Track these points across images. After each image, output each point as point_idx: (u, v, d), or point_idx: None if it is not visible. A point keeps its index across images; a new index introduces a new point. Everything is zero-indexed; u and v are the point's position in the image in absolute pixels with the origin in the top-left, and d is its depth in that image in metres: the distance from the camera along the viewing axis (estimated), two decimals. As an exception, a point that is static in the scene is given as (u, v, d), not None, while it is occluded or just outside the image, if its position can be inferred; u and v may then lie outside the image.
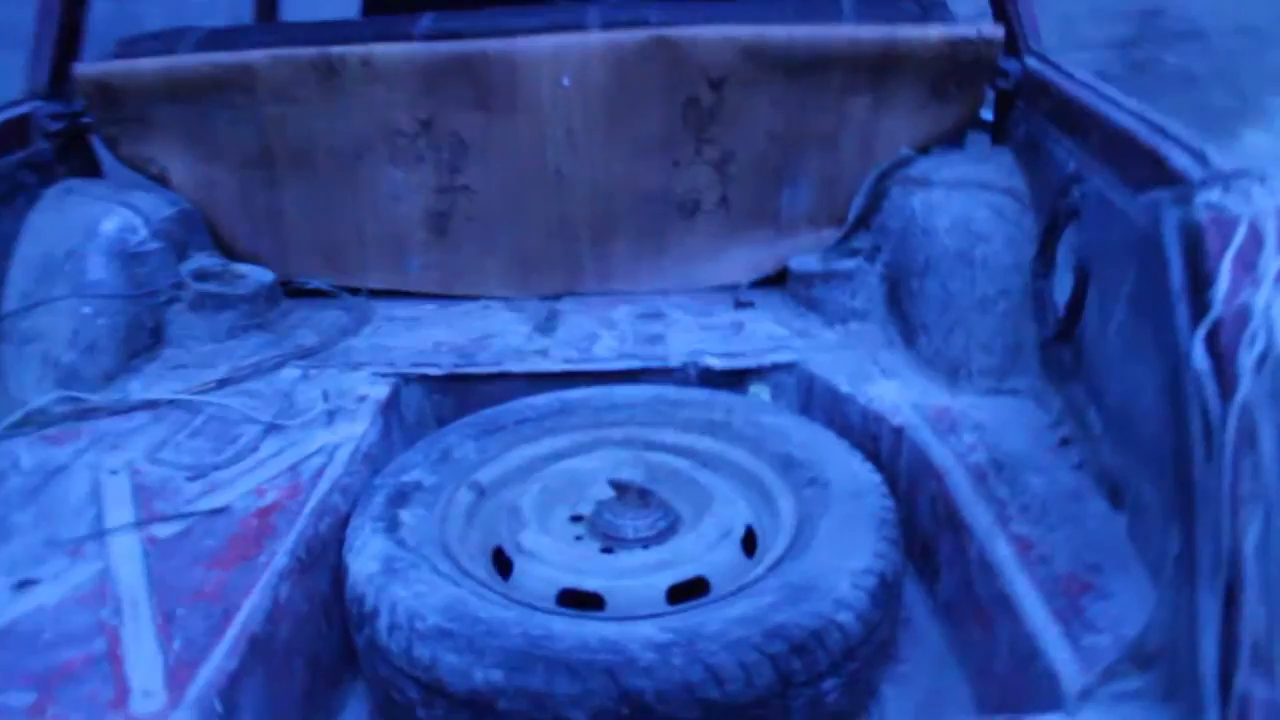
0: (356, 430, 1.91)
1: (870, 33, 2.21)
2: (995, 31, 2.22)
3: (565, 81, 2.26)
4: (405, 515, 1.67)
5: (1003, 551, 1.58)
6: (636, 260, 2.48)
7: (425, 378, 2.14)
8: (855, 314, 2.26)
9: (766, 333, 2.25)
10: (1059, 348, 1.88)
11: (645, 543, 1.67)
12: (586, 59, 2.25)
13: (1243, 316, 1.21)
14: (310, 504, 1.68)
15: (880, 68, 2.24)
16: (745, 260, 2.48)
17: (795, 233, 2.47)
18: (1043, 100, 2.11)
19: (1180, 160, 1.50)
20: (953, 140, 2.38)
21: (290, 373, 2.14)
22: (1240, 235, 1.25)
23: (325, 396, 2.00)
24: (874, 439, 1.95)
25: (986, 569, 1.57)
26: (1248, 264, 1.24)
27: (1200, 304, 1.26)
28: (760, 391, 2.17)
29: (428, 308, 2.45)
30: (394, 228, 2.46)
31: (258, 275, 2.38)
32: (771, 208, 2.45)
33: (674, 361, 2.15)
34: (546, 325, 2.33)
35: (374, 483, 1.77)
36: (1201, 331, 1.23)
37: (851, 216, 2.38)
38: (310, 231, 2.47)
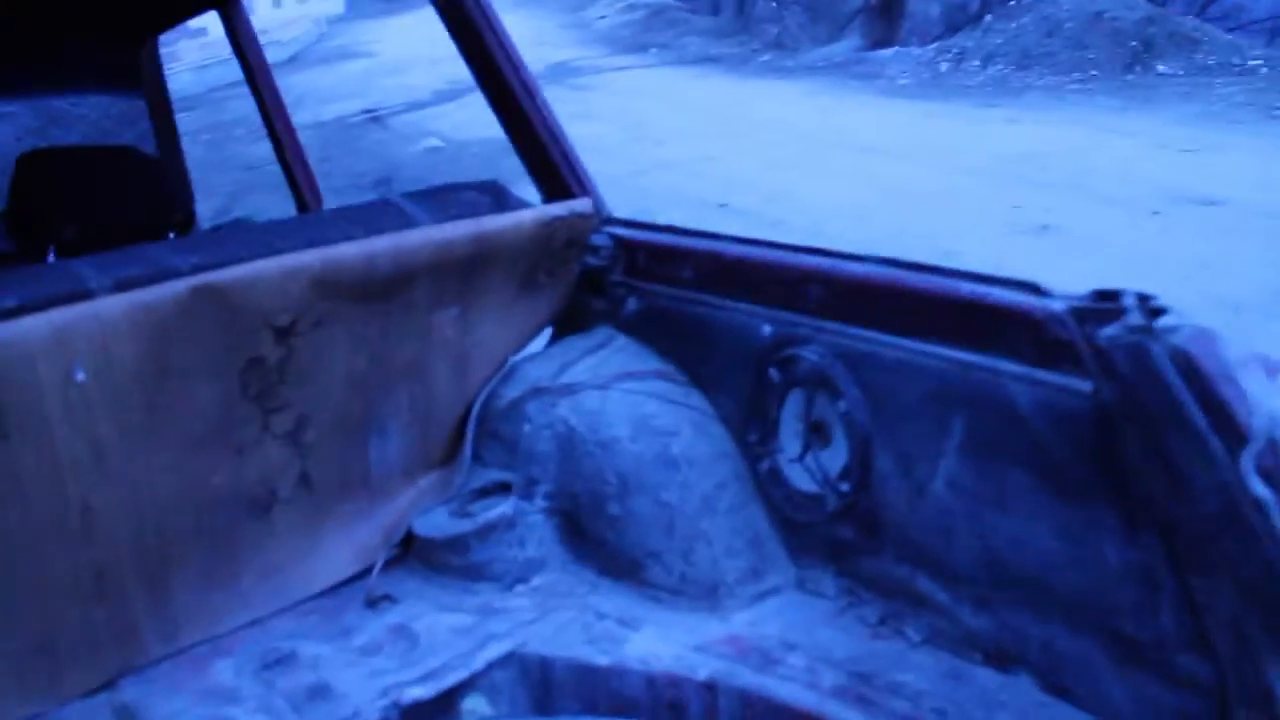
0: None
1: (456, 231, 1.80)
2: (586, 205, 1.96)
3: (80, 376, 1.52)
4: None
5: None
6: (205, 597, 1.76)
7: None
8: (533, 566, 1.82)
9: (448, 627, 1.71)
10: (832, 527, 1.65)
11: None
12: (107, 337, 1.53)
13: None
14: None
15: (466, 271, 1.85)
16: (343, 551, 1.89)
17: (390, 494, 1.95)
18: (668, 268, 1.89)
19: (1008, 297, 1.38)
20: (559, 330, 2.06)
21: None
22: (1232, 353, 1.15)
23: None
24: (674, 708, 1.54)
25: None
26: (1262, 374, 1.13)
27: (1224, 429, 1.12)
28: (475, 706, 1.64)
29: None
30: None
31: None
32: (360, 471, 1.90)
33: (368, 714, 1.53)
34: None
35: None
36: (1249, 460, 1.10)
37: (468, 453, 1.94)
38: None
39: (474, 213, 1.86)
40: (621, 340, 1.97)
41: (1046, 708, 1.42)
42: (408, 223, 1.80)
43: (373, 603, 1.81)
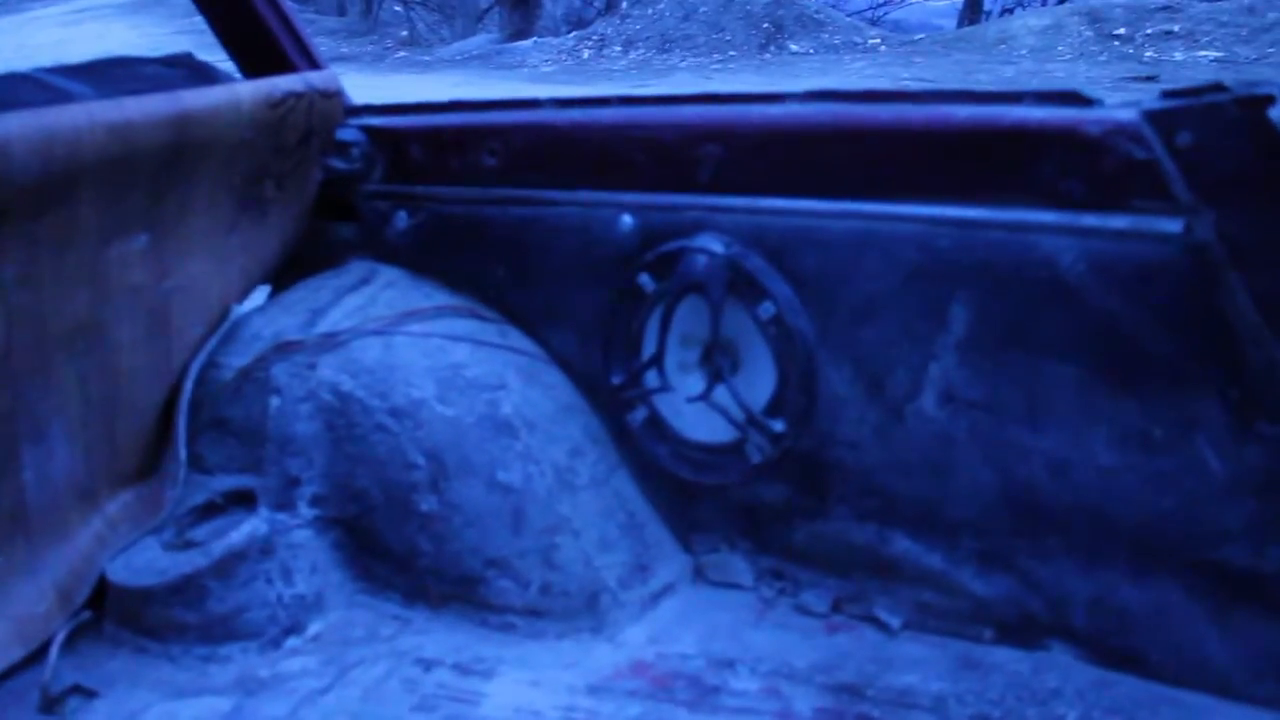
0: None
1: (143, 109, 1.15)
2: (329, 79, 1.35)
3: None
4: None
5: None
6: None
7: None
8: (308, 609, 1.21)
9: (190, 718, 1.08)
10: (754, 486, 1.18)
11: None
12: None
13: None
14: None
15: (160, 177, 1.21)
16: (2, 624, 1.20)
17: (62, 532, 1.26)
18: (458, 160, 1.33)
19: (1040, 115, 0.96)
20: (284, 275, 1.44)
21: None
22: None
23: None
24: None
25: None
26: None
27: None
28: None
29: None
30: None
31: None
32: (8, 502, 1.21)
33: None
34: None
35: None
36: None
37: (182, 454, 1.29)
38: None
39: (166, 88, 1.22)
40: (391, 273, 1.39)
41: (1107, 686, 1.01)
42: (60, 101, 1.14)
43: (52, 704, 1.13)
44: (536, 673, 1.11)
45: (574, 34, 15.61)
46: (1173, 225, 0.90)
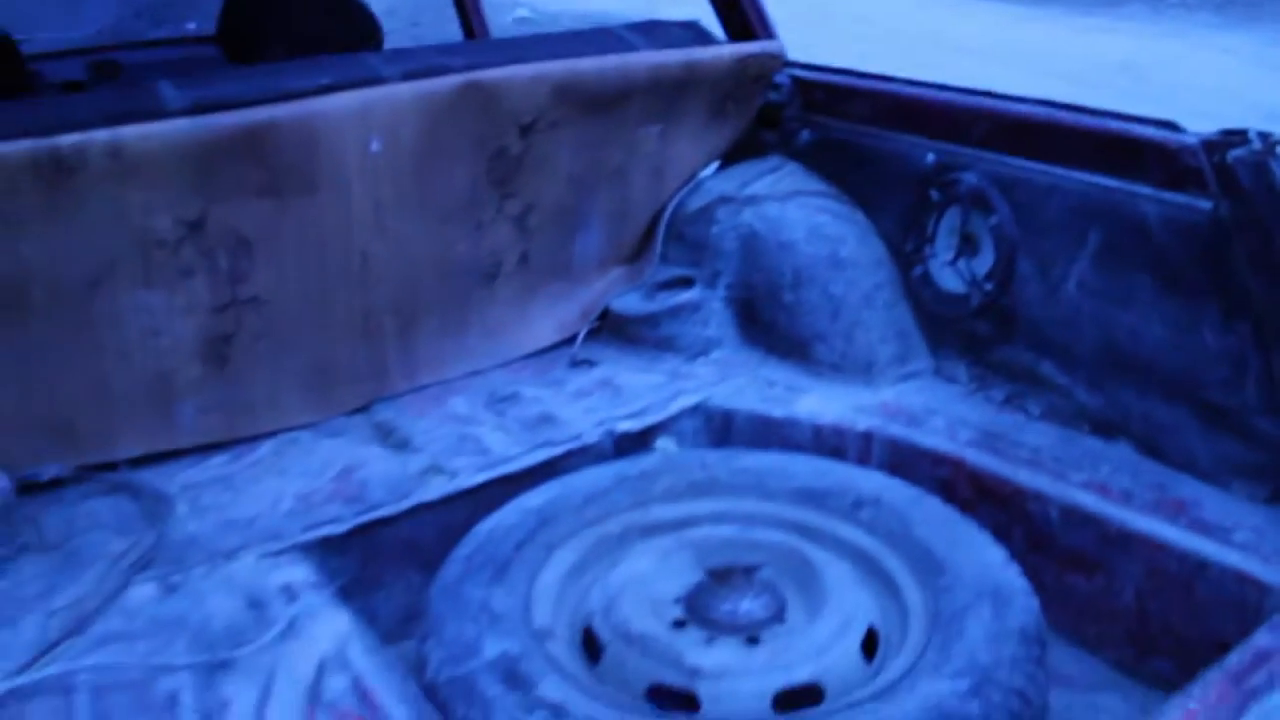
0: (338, 625, 1.45)
1: (671, 57, 2.14)
2: (776, 46, 2.28)
3: (375, 146, 1.89)
4: None
5: (1086, 497, 1.67)
6: (440, 345, 2.16)
7: (328, 541, 1.69)
8: (713, 343, 2.19)
9: (645, 384, 2.09)
10: (972, 322, 2.00)
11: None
12: (397, 116, 1.89)
13: None
14: None
15: (673, 94, 2.18)
16: (548, 321, 2.28)
17: (588, 281, 2.32)
18: (843, 106, 2.22)
19: (1149, 132, 1.70)
20: (729, 157, 2.40)
21: (145, 591, 1.56)
22: None
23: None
24: (836, 451, 1.92)
25: (1078, 518, 1.65)
26: None
27: None
28: (666, 445, 2.02)
29: (215, 463, 1.91)
30: (153, 371, 1.87)
31: (-15, 483, 1.68)
32: (564, 258, 2.27)
33: (589, 438, 1.92)
34: (397, 443, 1.94)
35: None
36: None
37: (658, 249, 2.30)
38: (23, 403, 1.79)
39: (683, 45, 2.19)
40: (792, 165, 2.30)
41: (1142, 464, 1.77)
42: (628, 48, 2.14)
43: (576, 364, 2.19)
44: (828, 396, 2.02)
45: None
46: (1206, 204, 1.64)
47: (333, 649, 1.40)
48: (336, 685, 1.34)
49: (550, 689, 1.31)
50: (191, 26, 3.76)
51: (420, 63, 1.94)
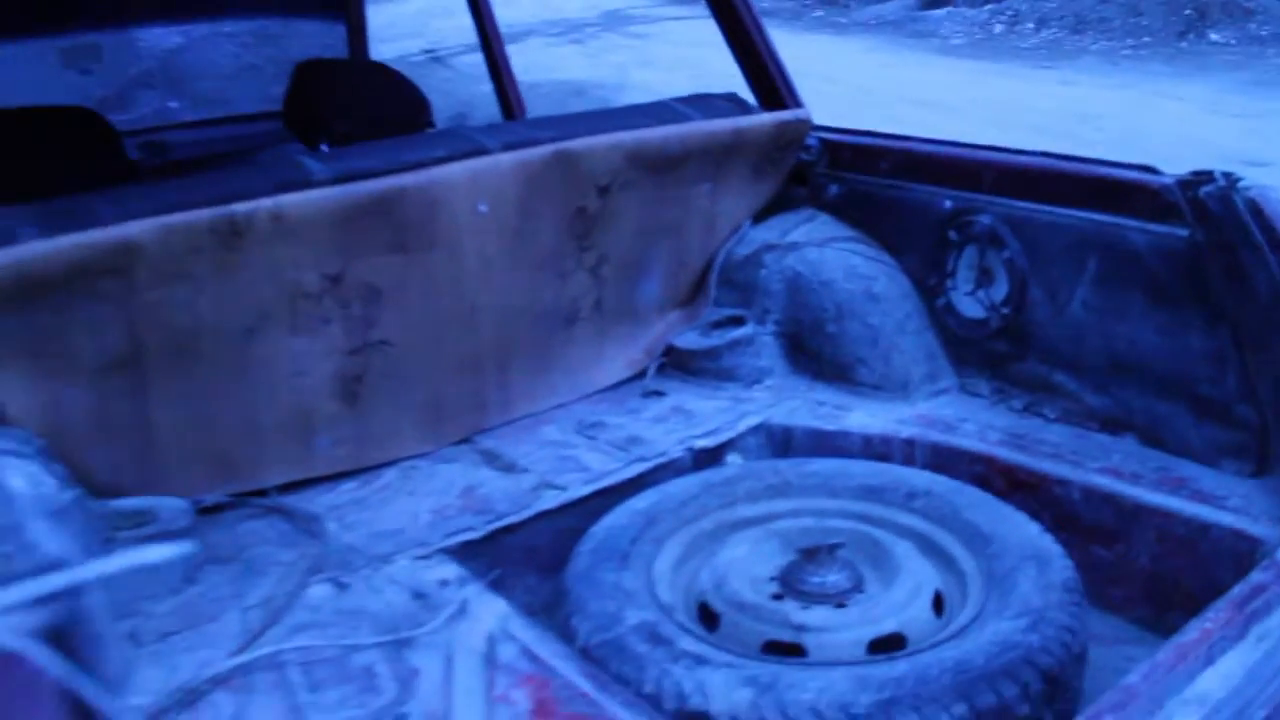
0: (498, 607, 1.74)
1: (721, 125, 2.49)
2: (805, 114, 2.63)
3: (482, 208, 2.21)
4: None
5: (1102, 479, 2.00)
6: (531, 382, 2.47)
7: (467, 545, 1.98)
8: (765, 371, 2.52)
9: (712, 408, 2.41)
10: (992, 342, 2.34)
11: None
12: (500, 181, 2.22)
13: None
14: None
15: (721, 157, 2.53)
16: (619, 359, 2.60)
17: (650, 322, 2.65)
18: (866, 163, 2.57)
19: (1134, 175, 2.06)
20: (765, 211, 2.74)
21: (322, 590, 1.84)
22: None
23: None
24: (883, 456, 2.24)
25: (1098, 498, 1.99)
26: None
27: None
28: (734, 459, 2.33)
29: (347, 488, 2.21)
30: (297, 408, 2.17)
31: (169, 504, 1.97)
32: (631, 302, 2.60)
33: (673, 454, 2.23)
34: (505, 465, 2.25)
35: None
36: None
37: (712, 293, 2.63)
38: (188, 438, 2.08)
39: (728, 114, 2.54)
40: (824, 216, 2.65)
41: (1146, 452, 2.10)
42: (682, 119, 2.49)
43: (649, 394, 2.51)
44: (873, 412, 2.35)
45: (989, 7, 15.90)
46: (1184, 232, 1.99)
47: (498, 626, 1.68)
48: (508, 652, 1.62)
49: (688, 644, 1.61)
50: (174, 105, 4.00)
51: (516, 135, 2.29)
